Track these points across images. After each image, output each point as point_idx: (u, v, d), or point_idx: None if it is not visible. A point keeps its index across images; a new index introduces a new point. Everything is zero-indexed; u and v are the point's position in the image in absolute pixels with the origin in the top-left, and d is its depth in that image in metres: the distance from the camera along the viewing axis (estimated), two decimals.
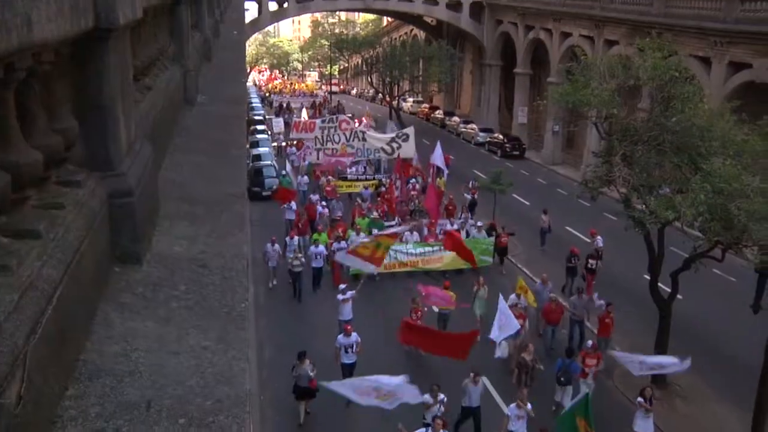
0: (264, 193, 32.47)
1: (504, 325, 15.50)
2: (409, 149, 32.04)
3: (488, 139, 48.37)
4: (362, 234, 23.39)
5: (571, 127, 39.52)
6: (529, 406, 13.09)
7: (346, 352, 15.53)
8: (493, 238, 24.30)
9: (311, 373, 14.38)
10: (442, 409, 13.18)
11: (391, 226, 24.82)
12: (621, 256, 22.89)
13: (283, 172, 33.30)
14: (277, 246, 22.17)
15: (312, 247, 22.33)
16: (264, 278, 22.49)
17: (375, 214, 26.07)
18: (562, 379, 14.88)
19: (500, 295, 16.89)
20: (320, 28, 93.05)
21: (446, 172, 30.90)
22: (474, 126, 51.88)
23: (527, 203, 32.90)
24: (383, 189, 30.42)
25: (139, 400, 2.75)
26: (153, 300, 3.58)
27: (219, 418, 2.68)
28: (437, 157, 29.30)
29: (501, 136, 47.70)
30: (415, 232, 24.11)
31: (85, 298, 3.14)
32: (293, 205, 27.31)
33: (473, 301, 18.90)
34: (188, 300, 3.62)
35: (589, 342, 16.38)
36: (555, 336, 18.32)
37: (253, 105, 55.14)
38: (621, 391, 16.37)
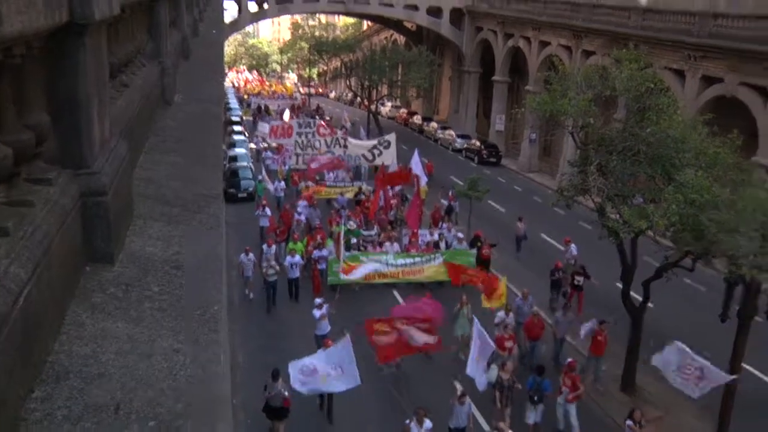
0: (240, 195, 32.20)
1: (481, 353, 14.75)
2: (389, 156, 31.57)
3: (465, 146, 48.64)
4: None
5: (547, 135, 39.89)
6: None
7: None
8: (475, 250, 23.69)
9: (285, 393, 13.78)
10: None
11: (370, 235, 24.53)
12: (594, 264, 23.10)
13: (259, 178, 32.42)
14: (251, 255, 21.40)
15: (288, 257, 21.61)
16: (239, 288, 21.93)
17: (351, 223, 25.11)
18: (534, 398, 14.52)
19: (475, 319, 16.10)
20: (300, 30, 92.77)
21: (425, 179, 30.18)
22: (452, 132, 52.12)
23: (503, 210, 33.12)
24: (362, 197, 29.66)
25: (108, 402, 2.70)
26: (125, 300, 3.52)
27: (189, 421, 2.64)
28: (415, 166, 28.80)
29: (478, 143, 47.98)
30: (395, 243, 23.67)
31: (54, 298, 3.08)
32: (267, 211, 26.34)
33: (455, 321, 17.92)
34: (161, 301, 3.57)
35: (569, 359, 15.80)
36: (535, 352, 17.90)
37: (231, 106, 54.75)
38: (602, 408, 16.25)
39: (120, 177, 4.19)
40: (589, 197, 16.88)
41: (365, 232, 25.06)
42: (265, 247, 22.12)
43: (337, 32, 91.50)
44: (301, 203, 27.38)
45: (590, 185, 16.08)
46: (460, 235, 24.85)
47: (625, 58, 16.82)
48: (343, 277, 21.11)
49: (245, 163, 35.60)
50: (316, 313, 17.21)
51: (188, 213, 4.92)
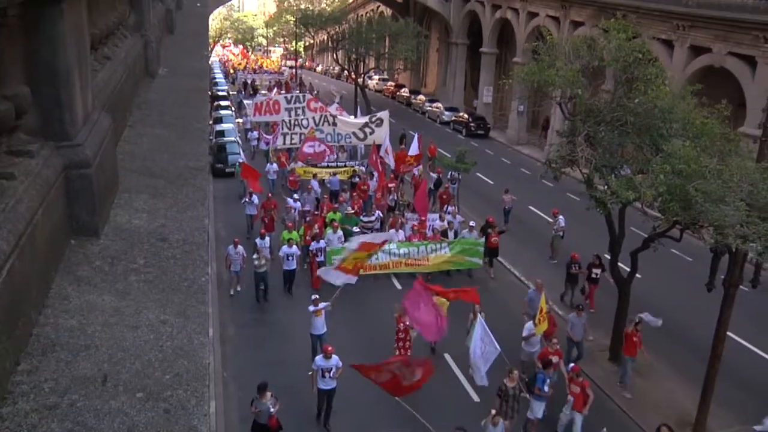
0: (227, 170, 31.79)
1: (486, 352, 13.29)
2: (382, 134, 29.52)
3: (453, 118, 48.51)
4: (339, 231, 21.05)
5: (535, 107, 39.76)
6: None
7: (323, 376, 13.45)
8: (484, 238, 21.74)
9: (272, 409, 12.40)
10: None
11: (370, 221, 22.75)
12: (582, 235, 23.25)
13: (240, 161, 29.82)
14: (240, 248, 19.46)
15: (285, 248, 19.44)
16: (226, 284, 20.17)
17: (348, 209, 23.19)
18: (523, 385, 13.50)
19: (479, 317, 14.25)
20: (286, 3, 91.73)
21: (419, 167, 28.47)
22: (439, 105, 51.92)
23: (491, 183, 33.14)
24: (358, 179, 27.57)
25: (96, 374, 2.69)
26: (111, 273, 3.50)
27: (178, 391, 2.64)
28: (412, 149, 27.55)
29: (466, 116, 47.85)
30: (399, 231, 21.84)
31: (38, 271, 3.05)
32: (255, 198, 24.33)
33: (467, 332, 15.44)
34: (147, 273, 3.55)
35: (571, 365, 14.50)
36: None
37: (217, 80, 54.16)
38: (631, 418, 15.09)
39: (104, 150, 4.14)
40: (577, 168, 16.88)
41: (365, 219, 22.93)
42: (258, 240, 20.17)
43: (323, 5, 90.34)
44: (290, 201, 24.58)
45: (578, 156, 16.07)
46: (472, 223, 22.70)
47: (614, 28, 16.73)
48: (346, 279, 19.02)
49: (232, 138, 35.19)
50: (311, 309, 15.80)
51: (174, 186, 4.88)
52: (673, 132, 15.03)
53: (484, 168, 32.84)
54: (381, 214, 23.75)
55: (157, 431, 2.43)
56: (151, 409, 2.53)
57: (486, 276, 21.72)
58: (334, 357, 13.48)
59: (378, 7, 71.10)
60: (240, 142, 35.37)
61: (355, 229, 21.82)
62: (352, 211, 23.16)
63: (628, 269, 17.08)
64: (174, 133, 6.47)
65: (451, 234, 22.34)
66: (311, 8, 73.32)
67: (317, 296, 16.00)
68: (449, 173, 29.06)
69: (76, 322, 3.03)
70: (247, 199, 24.62)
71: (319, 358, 13.68)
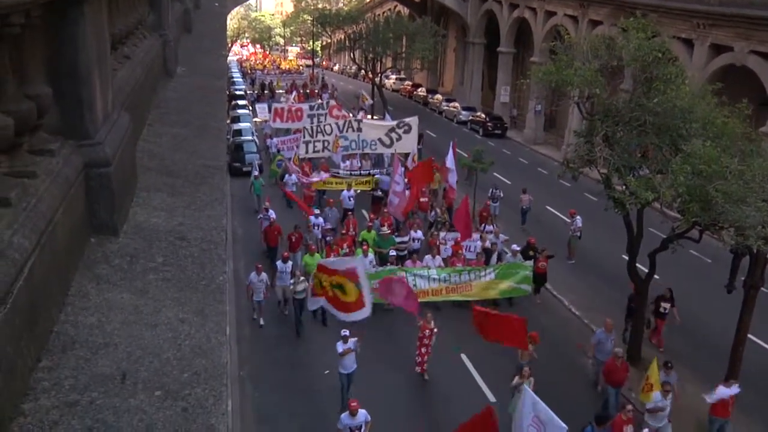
0: (244, 169, 31.77)
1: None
2: (410, 142, 27.78)
3: (470, 118, 48.39)
4: (371, 254, 19.23)
5: (553, 107, 39.51)
6: None
7: None
8: (531, 262, 19.89)
9: None
10: None
11: (404, 242, 20.99)
12: (600, 235, 23.08)
13: (255, 174, 27.59)
14: (264, 276, 17.47)
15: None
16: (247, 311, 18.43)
17: (384, 229, 21.19)
18: None
19: (525, 387, 11.73)
20: (303, 3, 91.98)
21: (455, 178, 25.48)
22: (456, 104, 51.82)
23: (509, 182, 33.00)
24: (380, 193, 25.34)
25: (115, 372, 2.71)
26: (130, 272, 3.52)
27: (196, 390, 2.65)
28: (450, 160, 24.95)
29: (483, 115, 47.71)
30: (437, 256, 19.88)
31: (59, 269, 3.08)
32: (271, 213, 22.05)
33: (511, 398, 13.16)
34: (166, 272, 3.57)
35: (645, 430, 12.76)
36: (618, 402, 14.10)
37: (234, 80, 54.42)
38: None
39: (123, 148, 4.18)
40: (595, 168, 16.75)
41: (398, 239, 20.94)
42: (279, 263, 18.27)
43: (341, 4, 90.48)
44: (314, 219, 22.24)
45: (596, 156, 15.95)
46: (515, 246, 20.88)
47: (633, 27, 16.57)
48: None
49: (249, 137, 35.33)
50: (339, 346, 14.21)
51: (192, 184, 4.91)
52: (693, 132, 14.87)
53: (501, 168, 32.72)
54: (423, 236, 21.79)
55: (176, 429, 2.44)
56: (169, 407, 2.55)
57: (529, 305, 19.81)
58: (361, 412, 12.12)
59: (395, 6, 71.12)
60: (257, 142, 35.44)
61: (392, 252, 20.18)
62: (388, 231, 21.29)
63: (646, 270, 16.94)
64: (192, 132, 6.50)
65: (494, 257, 20.46)
66: (328, 8, 73.49)
67: (347, 332, 14.23)
68: (490, 191, 27.13)
69: (96, 319, 3.05)
70: (263, 215, 22.73)
71: (344, 416, 12.16)
